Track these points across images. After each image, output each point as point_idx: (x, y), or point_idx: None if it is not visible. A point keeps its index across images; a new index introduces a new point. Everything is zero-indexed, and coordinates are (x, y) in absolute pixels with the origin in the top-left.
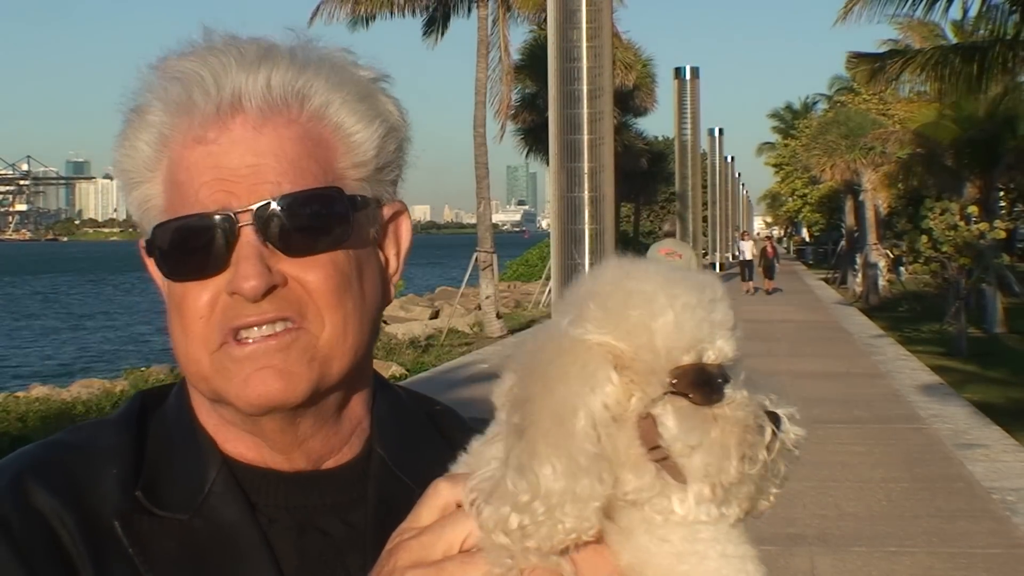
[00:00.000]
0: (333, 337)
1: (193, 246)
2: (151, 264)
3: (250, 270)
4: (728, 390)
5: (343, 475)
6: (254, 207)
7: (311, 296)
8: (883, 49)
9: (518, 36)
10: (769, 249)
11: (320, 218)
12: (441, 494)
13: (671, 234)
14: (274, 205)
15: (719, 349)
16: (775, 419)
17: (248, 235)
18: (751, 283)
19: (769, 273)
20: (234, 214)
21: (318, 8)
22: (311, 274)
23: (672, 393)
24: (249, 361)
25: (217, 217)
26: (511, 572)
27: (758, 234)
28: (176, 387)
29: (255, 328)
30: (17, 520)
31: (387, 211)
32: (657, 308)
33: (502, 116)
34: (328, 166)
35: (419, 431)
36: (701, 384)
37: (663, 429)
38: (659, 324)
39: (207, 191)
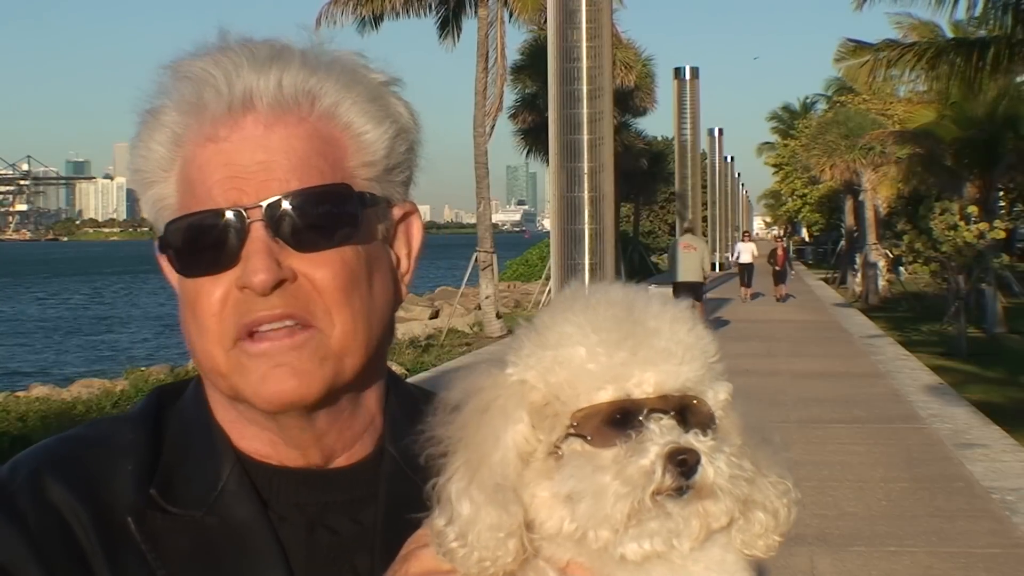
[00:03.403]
0: (344, 335)
1: (205, 242)
2: (164, 263)
3: (259, 264)
4: (649, 426)
5: (355, 473)
6: (264, 203)
7: (319, 293)
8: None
9: (518, 37)
10: (780, 251)
11: (329, 214)
12: None
13: (690, 230)
14: (284, 202)
15: (647, 383)
16: (692, 458)
17: (258, 231)
18: (750, 289)
19: (780, 278)
20: (245, 210)
21: (322, 13)
22: (320, 271)
23: (572, 435)
24: (265, 358)
25: (228, 213)
26: None
27: (759, 235)
28: (193, 382)
29: (267, 324)
30: (34, 515)
31: (398, 211)
32: (570, 346)
33: (491, 117)
34: (337, 164)
35: None
36: (601, 426)
37: (558, 473)
38: (570, 362)
39: (219, 188)
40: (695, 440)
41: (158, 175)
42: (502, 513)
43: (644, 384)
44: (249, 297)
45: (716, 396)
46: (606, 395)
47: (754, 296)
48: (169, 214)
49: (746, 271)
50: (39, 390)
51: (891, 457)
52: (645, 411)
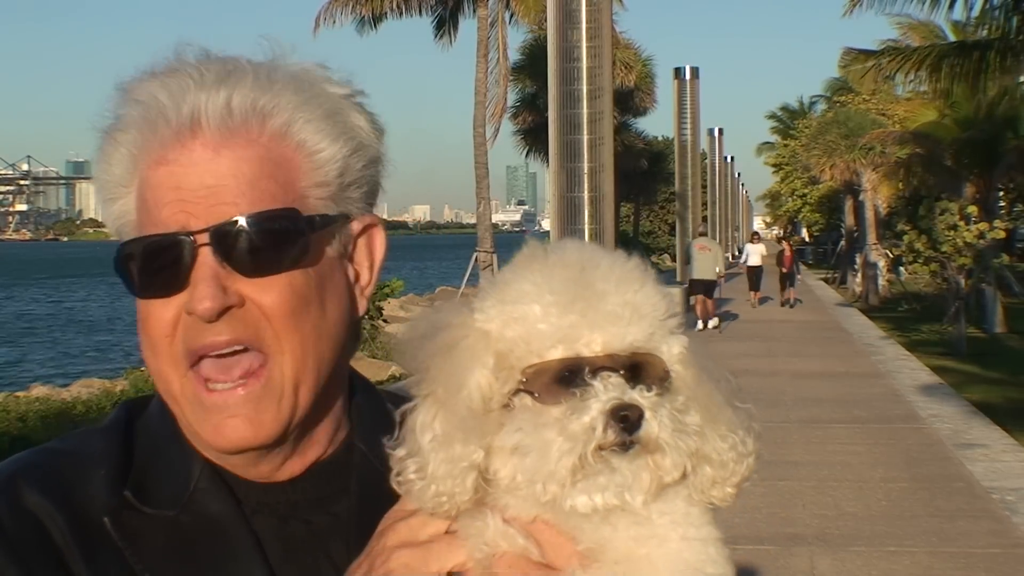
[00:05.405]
0: (295, 362)
1: (155, 265)
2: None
3: (205, 291)
4: (594, 383)
5: (325, 470)
6: (211, 227)
7: (268, 319)
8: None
9: (517, 37)
10: (788, 252)
11: (277, 239)
12: None
13: (704, 233)
14: (231, 226)
15: (595, 343)
16: (634, 413)
17: (206, 255)
18: (759, 293)
19: (788, 281)
20: (192, 235)
21: (321, 13)
22: (268, 296)
23: (522, 390)
24: (218, 411)
25: (177, 237)
26: (489, 556)
27: (757, 235)
28: (157, 394)
29: (220, 383)
30: (10, 520)
31: (357, 225)
32: (526, 304)
33: (496, 119)
34: (289, 186)
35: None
36: (549, 382)
37: (507, 425)
38: (526, 318)
39: (168, 211)
40: (639, 396)
41: (119, 191)
42: (463, 447)
43: (592, 344)
44: (197, 322)
45: (670, 351)
46: (557, 353)
47: (763, 300)
48: (130, 230)
49: (755, 274)
50: (39, 390)
51: (891, 457)
52: (589, 369)
